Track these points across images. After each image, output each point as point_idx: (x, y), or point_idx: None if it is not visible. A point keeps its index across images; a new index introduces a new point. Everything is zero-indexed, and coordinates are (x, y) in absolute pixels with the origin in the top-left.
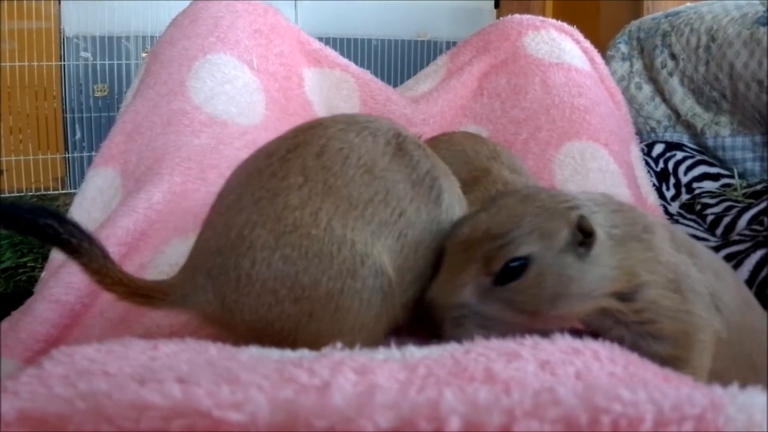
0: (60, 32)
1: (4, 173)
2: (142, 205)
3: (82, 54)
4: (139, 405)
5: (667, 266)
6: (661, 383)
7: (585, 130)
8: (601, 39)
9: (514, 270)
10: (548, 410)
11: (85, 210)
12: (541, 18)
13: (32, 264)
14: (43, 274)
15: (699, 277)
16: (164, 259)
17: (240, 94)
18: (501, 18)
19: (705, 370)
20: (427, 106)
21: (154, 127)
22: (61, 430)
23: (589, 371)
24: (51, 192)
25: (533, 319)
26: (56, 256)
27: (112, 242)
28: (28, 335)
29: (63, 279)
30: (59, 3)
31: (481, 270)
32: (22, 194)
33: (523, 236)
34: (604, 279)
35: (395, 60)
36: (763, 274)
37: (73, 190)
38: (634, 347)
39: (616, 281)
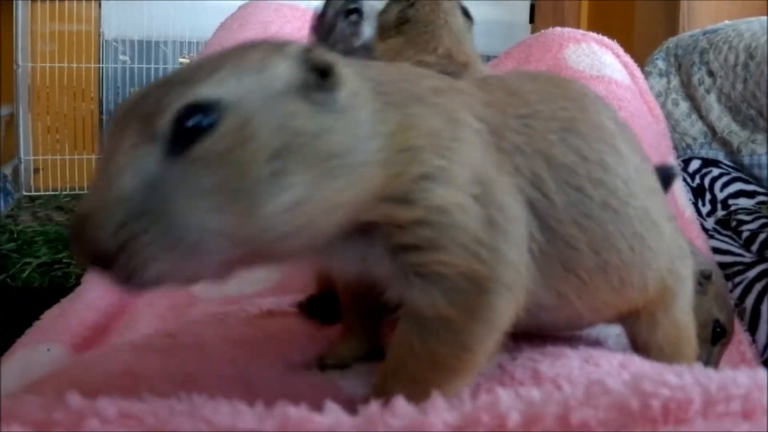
0: (99, 35)
1: (40, 172)
2: None
3: (121, 57)
4: None
5: (471, 157)
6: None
7: None
8: (635, 55)
9: (195, 128)
10: (600, 399)
11: None
12: (581, 31)
13: (67, 260)
14: None
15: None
16: None
17: None
18: (542, 31)
19: (478, 362)
20: None
21: None
22: None
23: (632, 362)
24: (86, 192)
25: (247, 223)
26: None
27: None
28: (78, 322)
29: None
30: (99, 6)
31: (139, 137)
32: (57, 193)
33: (204, 77)
34: (367, 148)
35: None
36: None
37: None
38: (394, 295)
39: (385, 164)
